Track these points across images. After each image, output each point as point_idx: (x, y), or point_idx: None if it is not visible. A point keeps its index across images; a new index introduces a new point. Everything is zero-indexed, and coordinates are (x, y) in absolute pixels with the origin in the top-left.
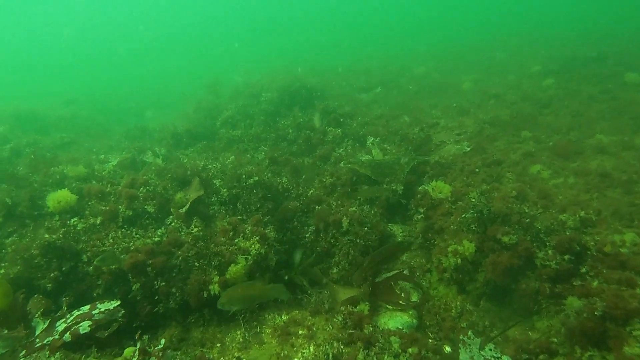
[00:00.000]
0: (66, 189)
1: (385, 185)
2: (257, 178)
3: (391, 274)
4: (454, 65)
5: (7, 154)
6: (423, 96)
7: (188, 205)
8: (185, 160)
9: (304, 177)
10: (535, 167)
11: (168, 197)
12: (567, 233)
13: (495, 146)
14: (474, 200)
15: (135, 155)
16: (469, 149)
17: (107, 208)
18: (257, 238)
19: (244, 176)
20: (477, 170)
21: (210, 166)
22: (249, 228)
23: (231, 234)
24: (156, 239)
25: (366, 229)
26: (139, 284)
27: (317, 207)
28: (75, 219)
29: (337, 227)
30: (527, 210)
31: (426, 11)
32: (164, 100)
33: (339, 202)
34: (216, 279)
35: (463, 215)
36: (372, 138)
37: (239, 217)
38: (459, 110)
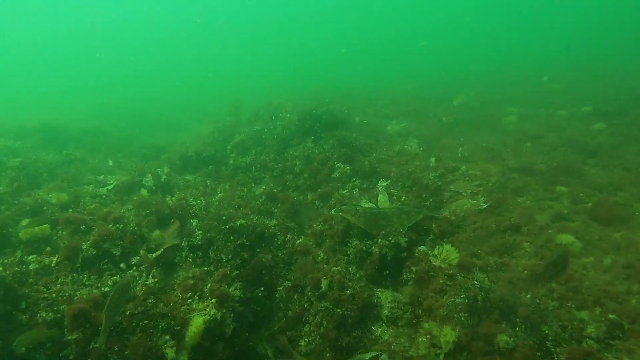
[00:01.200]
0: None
1: (379, 240)
2: (243, 221)
3: (367, 356)
4: (500, 95)
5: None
6: (455, 130)
7: (160, 252)
8: (174, 195)
9: (301, 218)
10: (565, 236)
11: (143, 235)
12: (585, 344)
13: (519, 203)
14: (470, 280)
15: (134, 178)
16: (485, 205)
17: (67, 244)
18: (213, 300)
19: (224, 217)
20: (487, 237)
21: (193, 202)
22: (209, 285)
23: (189, 293)
24: (106, 289)
25: (348, 292)
26: (74, 344)
27: (300, 259)
28: (33, 256)
29: (315, 288)
30: (537, 301)
31: (478, 34)
32: (201, 114)
33: (326, 256)
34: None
35: (452, 300)
36: (383, 181)
37: (206, 269)
38: (487, 152)
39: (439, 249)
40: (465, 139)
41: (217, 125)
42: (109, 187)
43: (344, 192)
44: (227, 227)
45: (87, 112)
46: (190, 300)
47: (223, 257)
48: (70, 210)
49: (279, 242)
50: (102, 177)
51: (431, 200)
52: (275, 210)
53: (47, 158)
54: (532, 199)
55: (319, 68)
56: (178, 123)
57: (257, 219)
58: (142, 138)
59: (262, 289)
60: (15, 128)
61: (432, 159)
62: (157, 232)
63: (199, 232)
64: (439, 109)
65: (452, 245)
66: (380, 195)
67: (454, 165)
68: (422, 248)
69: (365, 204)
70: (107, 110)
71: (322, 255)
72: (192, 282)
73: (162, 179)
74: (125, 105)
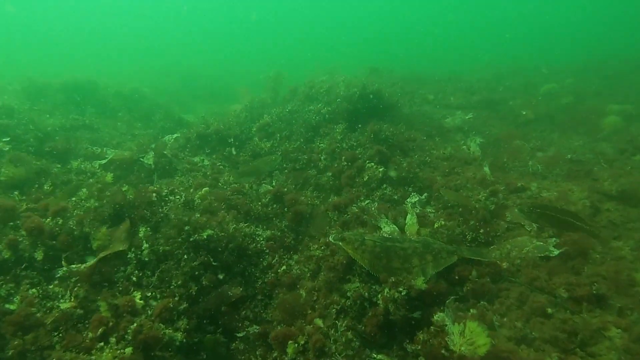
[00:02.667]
0: None
1: (386, 290)
2: (211, 232)
3: None
4: (602, 87)
5: None
6: (536, 129)
7: (94, 261)
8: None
9: (309, 230)
10: None
11: (85, 234)
12: None
13: (612, 251)
14: None
15: (135, 154)
16: (556, 252)
17: None
18: (128, 350)
19: (186, 227)
20: (549, 310)
21: (170, 197)
22: (135, 324)
23: (103, 330)
24: (12, 307)
25: None
26: None
27: (282, 294)
28: None
29: (281, 350)
30: None
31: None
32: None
33: (316, 296)
34: None
35: None
36: (415, 195)
37: (149, 294)
38: (572, 166)
39: (460, 327)
40: (545, 142)
41: (252, 101)
42: (102, 162)
43: (365, 203)
44: (190, 239)
45: (138, 76)
46: (101, 344)
47: (173, 282)
48: (16, 192)
49: (264, 264)
50: (100, 150)
51: (481, 231)
52: (277, 217)
53: (47, 122)
54: (635, 245)
55: (398, 47)
56: (228, 95)
57: (245, 228)
58: (179, 107)
59: (218, 332)
60: (38, 85)
61: (486, 169)
62: (103, 230)
63: (146, 244)
64: (518, 100)
65: (483, 322)
66: (409, 216)
67: (520, 185)
68: (439, 317)
69: (385, 225)
70: (161, 75)
71: (314, 295)
72: (110, 316)
73: (164, 159)
74: (180, 71)
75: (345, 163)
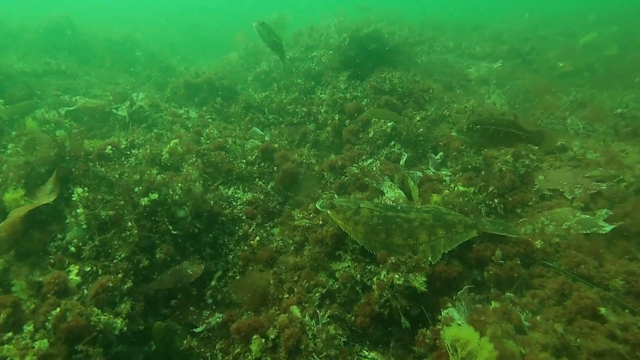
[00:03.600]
0: None
1: (383, 273)
2: (155, 196)
3: None
4: None
5: None
6: (573, 83)
7: (4, 223)
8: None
9: (299, 194)
10: None
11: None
12: None
13: None
14: None
15: (108, 104)
16: (607, 228)
17: None
18: (45, 342)
19: (136, 188)
20: (602, 309)
21: (132, 150)
22: (55, 312)
23: (4, 313)
24: None
25: None
26: None
27: (253, 273)
28: None
29: (245, 345)
30: None
31: None
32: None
33: (296, 276)
34: None
35: None
36: (405, 154)
37: (87, 269)
38: (623, 122)
39: (454, 332)
40: (586, 97)
41: (248, 48)
42: (69, 109)
43: (367, 163)
44: (142, 203)
45: (137, 25)
46: (9, 335)
47: (117, 255)
48: None
49: (239, 233)
50: (68, 97)
51: (508, 199)
52: (263, 177)
53: (15, 66)
54: None
55: None
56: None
57: (223, 190)
58: (176, 58)
59: (167, 318)
60: (13, 28)
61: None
62: (13, 194)
63: (81, 209)
64: (553, 51)
65: (507, 321)
66: (409, 181)
67: (560, 143)
68: (448, 312)
69: (389, 190)
70: (164, 26)
71: (293, 278)
72: (26, 296)
73: (139, 109)
74: (186, 22)
75: (347, 117)
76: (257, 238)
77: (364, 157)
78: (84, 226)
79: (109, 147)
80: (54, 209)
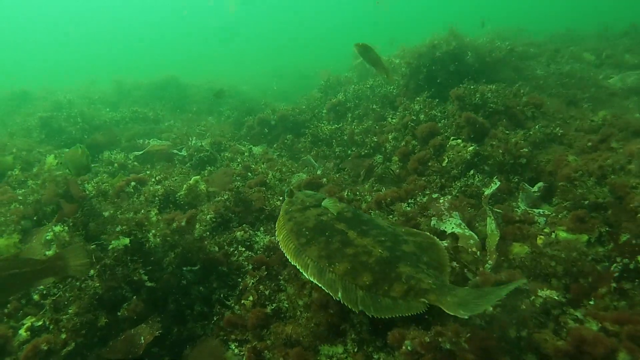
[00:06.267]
0: None
1: None
2: (126, 241)
3: None
4: None
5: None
6: None
7: None
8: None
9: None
10: None
11: None
12: None
13: None
14: None
15: (174, 145)
16: None
17: None
18: None
19: (118, 228)
20: None
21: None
22: None
23: None
24: None
25: None
26: None
27: None
28: None
29: None
30: None
31: None
32: None
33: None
34: None
35: None
36: (537, 184)
37: (39, 323)
38: None
39: None
40: None
41: (328, 81)
42: (138, 154)
43: (427, 199)
44: (111, 246)
45: (248, 77)
46: None
47: (70, 309)
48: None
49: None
50: (141, 141)
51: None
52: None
53: (102, 116)
54: None
55: None
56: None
57: (238, 232)
58: (264, 101)
59: None
60: (126, 86)
61: None
62: (10, 239)
63: (53, 250)
64: None
65: None
66: (488, 220)
67: None
68: None
69: (454, 228)
70: (277, 73)
71: (278, 351)
72: None
73: (199, 148)
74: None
75: (417, 142)
76: (251, 297)
77: (428, 192)
78: None
79: (133, 183)
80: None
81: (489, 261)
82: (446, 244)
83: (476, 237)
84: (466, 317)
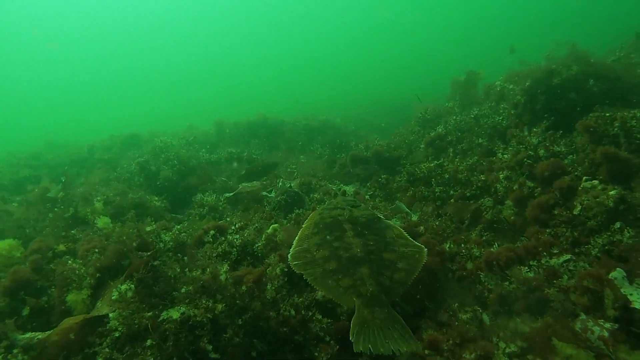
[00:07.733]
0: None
1: None
2: (177, 314)
3: None
4: None
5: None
6: None
7: (49, 333)
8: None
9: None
10: None
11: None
12: None
13: None
14: None
15: (264, 187)
16: None
17: None
18: None
19: (184, 290)
20: None
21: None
22: None
23: None
24: None
25: None
26: None
27: None
28: None
29: None
30: None
31: None
32: None
33: None
34: None
35: None
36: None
37: None
38: None
39: None
40: None
41: (425, 112)
42: (228, 195)
43: (558, 261)
44: (173, 316)
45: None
46: None
47: None
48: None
49: None
50: (231, 182)
51: None
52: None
53: (203, 158)
54: None
55: None
56: None
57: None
58: (358, 136)
59: None
60: (224, 126)
61: None
62: (79, 295)
63: (116, 312)
64: None
65: None
66: None
67: None
68: None
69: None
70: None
71: None
72: None
73: (287, 190)
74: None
75: (540, 183)
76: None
77: (556, 250)
78: (117, 334)
79: (212, 231)
80: None
81: None
82: None
83: None
84: (351, 340)
